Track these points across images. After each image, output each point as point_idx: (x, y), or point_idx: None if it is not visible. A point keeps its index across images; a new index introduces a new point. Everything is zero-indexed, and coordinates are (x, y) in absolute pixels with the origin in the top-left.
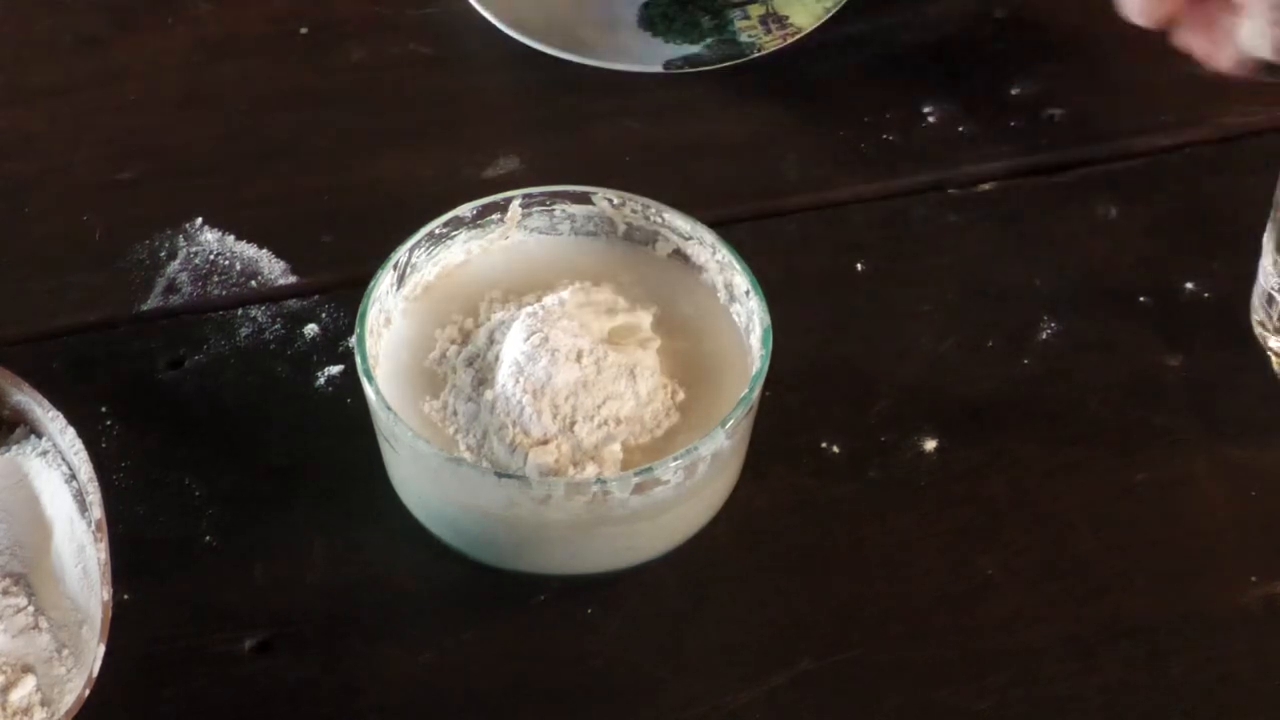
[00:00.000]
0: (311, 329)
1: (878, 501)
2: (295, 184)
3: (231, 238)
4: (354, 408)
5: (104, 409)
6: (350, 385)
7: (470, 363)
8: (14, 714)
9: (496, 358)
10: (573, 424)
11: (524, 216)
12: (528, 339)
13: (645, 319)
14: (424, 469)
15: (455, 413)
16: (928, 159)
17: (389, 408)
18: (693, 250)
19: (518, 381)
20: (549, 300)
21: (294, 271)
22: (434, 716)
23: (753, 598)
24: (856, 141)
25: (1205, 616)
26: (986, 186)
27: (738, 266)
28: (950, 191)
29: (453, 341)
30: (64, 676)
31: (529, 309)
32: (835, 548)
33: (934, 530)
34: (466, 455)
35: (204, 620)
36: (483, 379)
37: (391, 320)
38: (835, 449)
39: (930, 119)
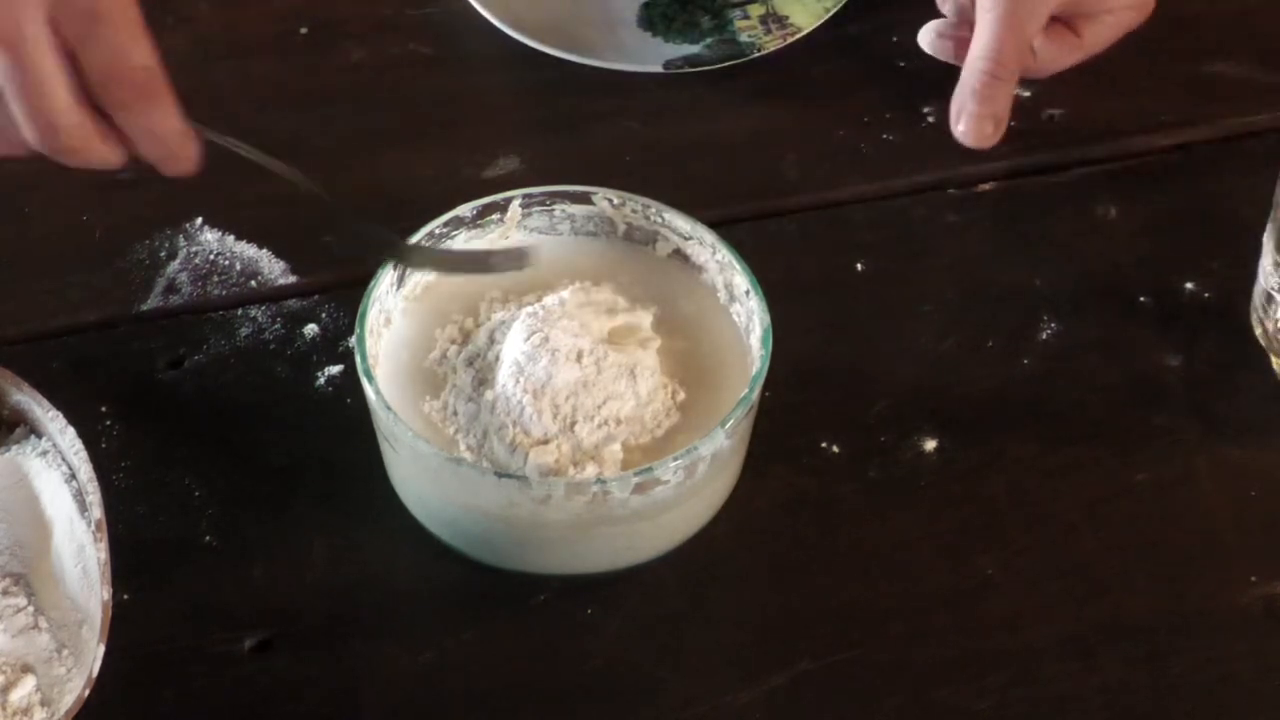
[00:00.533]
0: (311, 329)
1: (878, 501)
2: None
3: (231, 238)
4: (354, 408)
5: (104, 409)
6: (350, 385)
7: (470, 363)
8: (14, 714)
9: (497, 358)
10: (573, 424)
11: (524, 216)
12: (528, 339)
13: (645, 319)
14: (424, 469)
15: (455, 413)
16: (928, 159)
17: (389, 408)
18: (693, 250)
19: (518, 381)
20: (549, 300)
21: (294, 271)
22: (434, 716)
23: (753, 598)
24: (856, 141)
25: (1205, 616)
26: (986, 186)
27: (738, 266)
28: (950, 191)
29: (453, 341)
30: (64, 676)
31: (529, 309)
32: (835, 548)
33: (934, 530)
34: (467, 455)
35: (204, 620)
36: (483, 379)
37: (391, 320)
38: (835, 449)
39: (930, 119)
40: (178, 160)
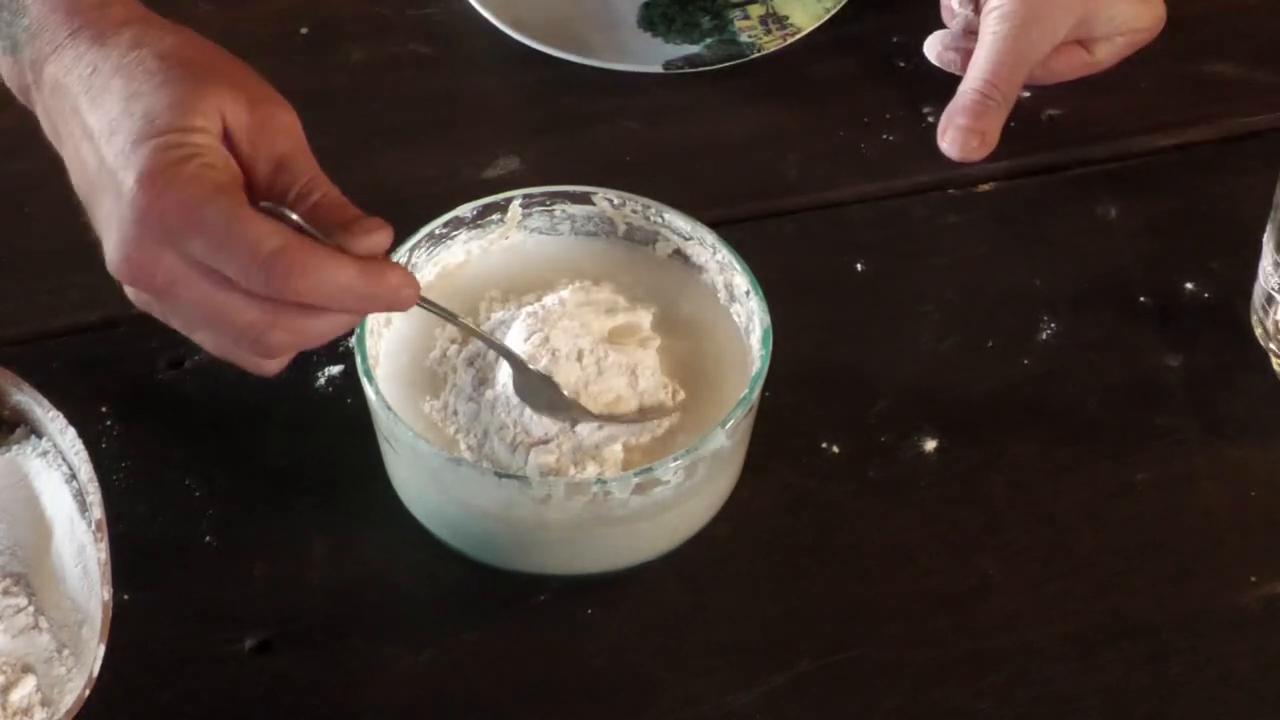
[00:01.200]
0: None
1: (878, 501)
2: None
3: None
4: (354, 408)
5: (104, 409)
6: (350, 385)
7: (471, 362)
8: (14, 714)
9: (497, 357)
10: (574, 424)
11: (524, 217)
12: (528, 338)
13: (645, 318)
14: (424, 469)
15: (456, 412)
16: (928, 159)
17: (389, 408)
18: (693, 250)
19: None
20: (549, 300)
21: None
22: (434, 716)
23: (753, 598)
24: (856, 141)
25: (1205, 616)
26: (986, 186)
27: (738, 266)
28: (950, 191)
29: (453, 341)
30: (64, 676)
31: (529, 308)
32: (835, 548)
33: (934, 530)
34: (467, 455)
35: (204, 620)
36: (483, 378)
37: (391, 320)
38: (835, 449)
39: (930, 119)
40: (385, 299)
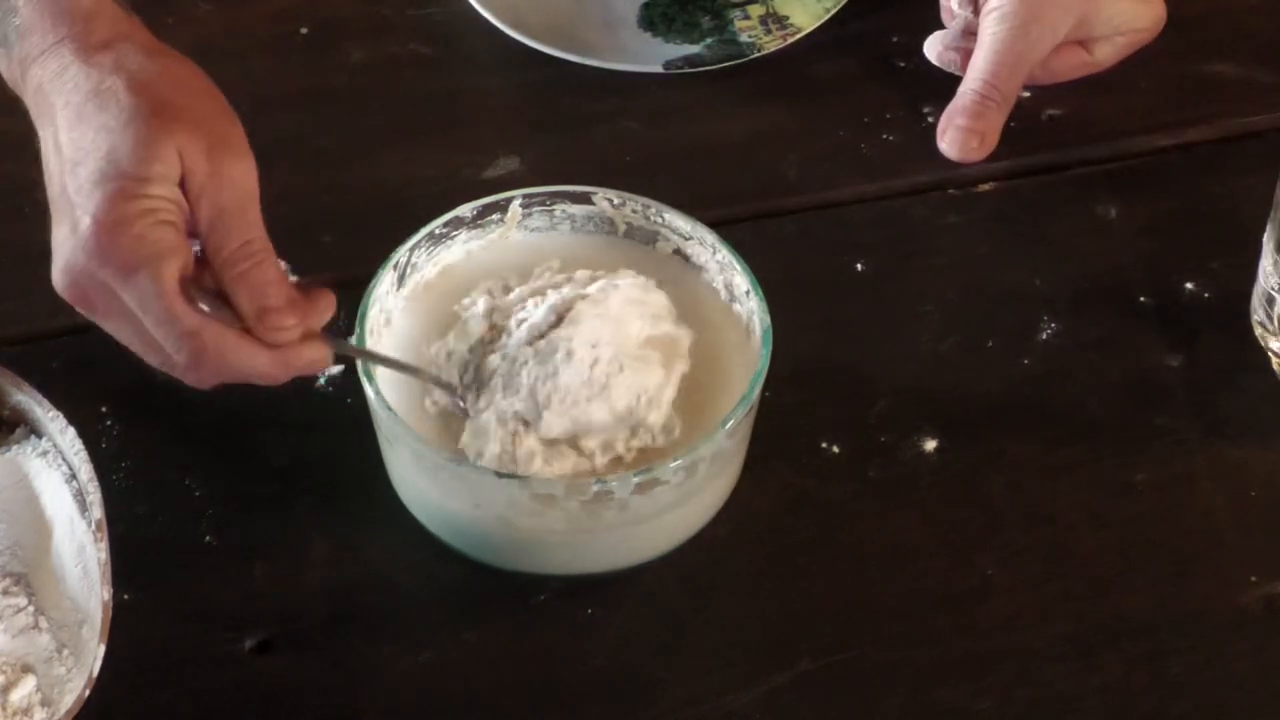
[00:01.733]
0: None
1: (878, 501)
2: (295, 184)
3: None
4: (354, 408)
5: (104, 409)
6: (350, 385)
7: (488, 316)
8: (14, 714)
9: (518, 324)
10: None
11: (524, 216)
12: (556, 326)
13: (686, 339)
14: (424, 469)
15: (451, 354)
16: (928, 159)
17: (389, 408)
18: (693, 250)
19: (527, 361)
20: (596, 286)
21: (294, 271)
22: (434, 716)
23: (753, 598)
24: (856, 141)
25: (1205, 616)
26: (986, 186)
27: (738, 266)
28: (950, 191)
29: (488, 293)
30: (64, 676)
31: (566, 290)
32: (835, 548)
33: (934, 530)
34: (443, 394)
35: (204, 620)
36: (494, 337)
37: (391, 320)
38: (835, 449)
39: (930, 119)
40: (297, 372)
